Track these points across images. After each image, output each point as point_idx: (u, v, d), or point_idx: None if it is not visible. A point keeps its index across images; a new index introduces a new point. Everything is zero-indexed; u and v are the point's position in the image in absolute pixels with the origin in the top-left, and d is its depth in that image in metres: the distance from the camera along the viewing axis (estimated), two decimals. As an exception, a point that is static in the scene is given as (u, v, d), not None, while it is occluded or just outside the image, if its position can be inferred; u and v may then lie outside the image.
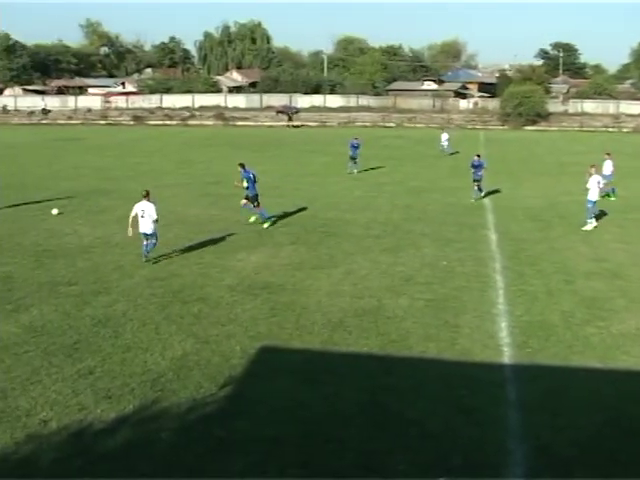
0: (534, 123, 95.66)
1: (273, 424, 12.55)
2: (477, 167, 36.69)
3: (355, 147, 46.98)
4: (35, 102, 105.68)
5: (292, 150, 62.53)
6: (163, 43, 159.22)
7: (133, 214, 22.86)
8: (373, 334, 16.98)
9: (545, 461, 11.63)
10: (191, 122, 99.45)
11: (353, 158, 46.98)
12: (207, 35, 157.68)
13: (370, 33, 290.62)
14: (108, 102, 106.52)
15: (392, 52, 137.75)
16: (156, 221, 22.84)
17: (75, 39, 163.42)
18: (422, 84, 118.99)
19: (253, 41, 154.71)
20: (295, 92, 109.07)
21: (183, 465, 11.28)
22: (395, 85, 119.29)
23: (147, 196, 23.18)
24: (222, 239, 26.54)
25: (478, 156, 37.61)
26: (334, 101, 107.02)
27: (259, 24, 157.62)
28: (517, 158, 58.41)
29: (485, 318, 18.24)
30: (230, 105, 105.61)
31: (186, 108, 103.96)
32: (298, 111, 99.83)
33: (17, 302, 19.12)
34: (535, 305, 19.32)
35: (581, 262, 23.97)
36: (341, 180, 43.44)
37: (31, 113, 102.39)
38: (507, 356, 15.92)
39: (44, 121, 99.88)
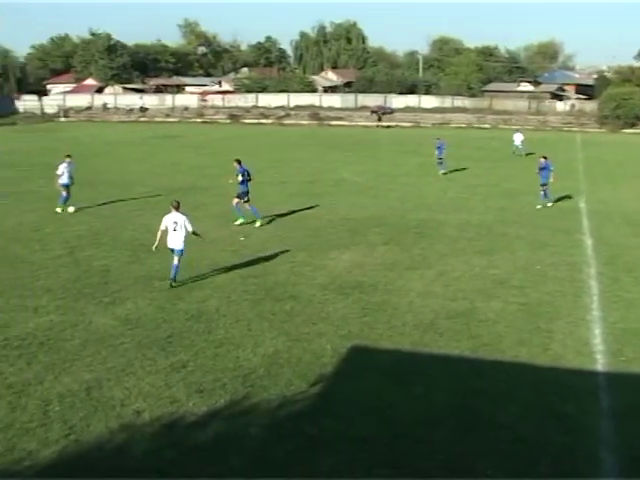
0: (633, 126, 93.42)
1: (362, 424, 12.56)
2: (543, 170, 34.81)
3: (440, 148, 46.64)
4: (134, 100, 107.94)
5: (386, 150, 62.34)
6: (259, 43, 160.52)
7: (163, 227, 20.62)
8: (465, 337, 16.85)
9: (638, 472, 11.37)
10: (286, 121, 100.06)
11: (440, 159, 46.67)
12: (303, 35, 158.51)
13: (466, 33, 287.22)
14: (205, 101, 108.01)
15: (488, 53, 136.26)
16: (193, 233, 20.81)
17: (173, 39, 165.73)
18: (518, 85, 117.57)
19: (348, 41, 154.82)
20: (390, 92, 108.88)
21: (272, 461, 11.37)
22: (490, 86, 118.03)
23: (178, 207, 20.85)
24: (315, 237, 26.68)
25: (544, 158, 35.38)
26: (429, 102, 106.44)
27: (354, 24, 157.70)
28: (615, 161, 57.08)
29: (579, 324, 17.92)
30: (325, 105, 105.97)
31: (281, 107, 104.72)
32: (393, 111, 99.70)
33: (113, 295, 19.58)
34: (631, 312, 18.87)
35: (681, 269, 23.36)
36: (434, 181, 43.18)
37: (130, 111, 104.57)
38: (601, 364, 15.62)
39: (142, 119, 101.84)
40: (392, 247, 25.53)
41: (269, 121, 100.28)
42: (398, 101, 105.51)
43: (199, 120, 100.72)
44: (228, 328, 17.07)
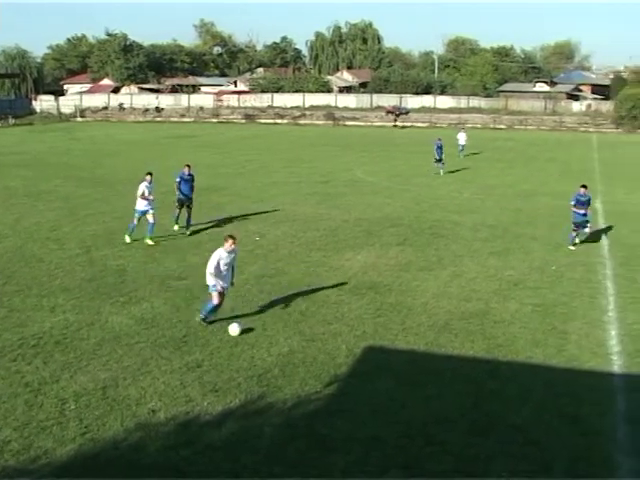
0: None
1: (375, 424, 12.59)
2: (583, 204, 26.31)
3: (439, 148, 46.47)
4: (149, 100, 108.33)
5: (401, 151, 62.35)
6: (275, 43, 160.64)
7: (212, 269, 17.47)
8: (479, 338, 16.85)
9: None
10: (301, 121, 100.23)
11: (438, 159, 46.55)
12: (318, 35, 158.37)
13: (481, 34, 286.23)
14: (220, 101, 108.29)
15: (503, 53, 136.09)
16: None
17: (189, 39, 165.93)
18: (534, 86, 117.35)
19: (364, 41, 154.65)
20: (405, 93, 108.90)
21: (285, 460, 11.42)
22: (506, 86, 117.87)
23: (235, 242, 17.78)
24: (329, 238, 26.71)
25: (584, 187, 26.62)
26: (444, 102, 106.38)
27: (370, 24, 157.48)
28: (631, 163, 56.84)
29: (595, 325, 17.89)
30: (340, 105, 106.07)
31: (297, 107, 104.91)
32: (408, 112, 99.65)
33: (129, 294, 19.66)
34: (649, 313, 18.86)
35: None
36: (450, 181, 43.15)
37: (146, 111, 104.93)
38: (617, 365, 15.59)
39: (158, 119, 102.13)
40: (406, 248, 25.53)
41: (284, 121, 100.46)
42: (413, 101, 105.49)
43: (214, 120, 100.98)
44: (243, 328, 17.11)
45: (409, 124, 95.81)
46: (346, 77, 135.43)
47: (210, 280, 17.32)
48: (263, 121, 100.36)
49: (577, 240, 26.27)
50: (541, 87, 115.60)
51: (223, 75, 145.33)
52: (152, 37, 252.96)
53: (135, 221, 25.77)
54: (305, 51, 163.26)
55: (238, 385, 14.02)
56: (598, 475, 11.28)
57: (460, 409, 13.27)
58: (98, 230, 27.61)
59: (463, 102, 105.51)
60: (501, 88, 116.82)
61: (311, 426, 12.50)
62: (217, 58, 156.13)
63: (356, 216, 30.74)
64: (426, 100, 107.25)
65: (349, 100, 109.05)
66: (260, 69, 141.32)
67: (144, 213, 25.68)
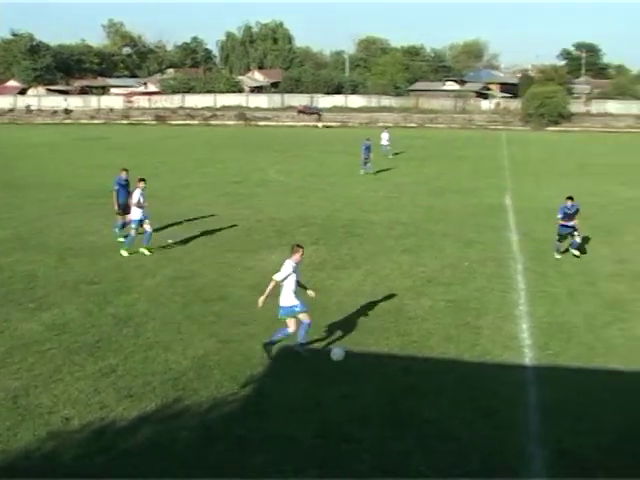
0: (556, 124, 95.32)
1: (292, 423, 12.57)
2: (571, 216, 24.57)
3: (367, 148, 46.82)
4: (58, 102, 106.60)
5: (314, 150, 62.54)
6: (185, 43, 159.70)
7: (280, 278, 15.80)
8: (393, 334, 16.96)
9: (566, 466, 11.53)
10: (213, 122, 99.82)
11: (366, 159, 46.89)
12: (229, 35, 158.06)
13: (392, 33, 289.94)
14: (130, 102, 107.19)
15: (414, 52, 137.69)
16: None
17: (98, 40, 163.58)
18: (444, 84, 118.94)
19: (275, 41, 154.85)
20: (316, 92, 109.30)
21: (203, 463, 11.31)
22: (417, 85, 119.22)
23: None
24: (243, 238, 26.62)
25: (571, 199, 24.69)
26: (356, 101, 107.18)
27: (281, 24, 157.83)
28: (539, 159, 58.11)
29: (506, 319, 18.19)
30: (252, 105, 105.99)
31: (208, 108, 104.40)
32: (320, 111, 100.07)
33: (39, 300, 19.24)
34: (557, 307, 19.25)
35: (603, 264, 23.86)
36: (363, 180, 43.42)
37: (54, 113, 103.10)
38: (528, 358, 15.87)
39: (67, 121, 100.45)
40: (320, 247, 25.58)
41: (196, 122, 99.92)
42: (325, 101, 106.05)
43: (125, 122, 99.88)
44: (157, 331, 16.92)
45: (330, 124, 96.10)
46: (257, 77, 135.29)
47: (290, 299, 15.63)
48: (174, 122, 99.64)
49: (563, 248, 24.84)
50: (451, 86, 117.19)
51: (133, 76, 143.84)
52: (60, 38, 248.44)
53: (133, 232, 24.39)
54: (216, 51, 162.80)
55: (153, 389, 13.84)
56: (513, 466, 11.46)
57: (376, 406, 13.33)
58: (7, 235, 26.94)
59: (374, 101, 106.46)
60: (412, 87, 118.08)
61: (228, 428, 12.42)
62: (127, 59, 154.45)
63: (269, 216, 30.70)
64: (337, 100, 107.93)
65: (260, 100, 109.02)
66: (170, 70, 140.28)
67: (141, 222, 24.42)
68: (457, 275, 22.15)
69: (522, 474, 11.34)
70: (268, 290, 15.50)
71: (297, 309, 15.64)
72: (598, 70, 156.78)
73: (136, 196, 24.30)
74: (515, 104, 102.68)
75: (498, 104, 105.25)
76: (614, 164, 54.78)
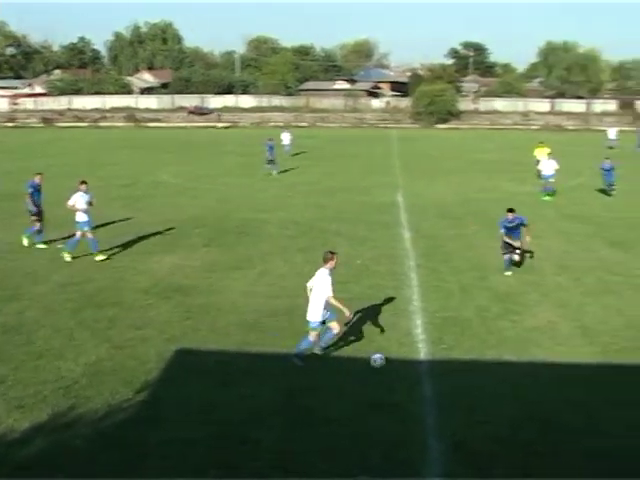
0: (445, 121, 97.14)
1: (189, 427, 12.46)
2: (514, 231, 22.59)
3: (271, 148, 46.87)
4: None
5: (205, 151, 62.21)
6: (72, 43, 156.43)
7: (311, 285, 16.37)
8: (289, 334, 16.95)
9: (463, 457, 11.77)
10: (102, 124, 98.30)
11: (270, 160, 46.90)
12: (117, 35, 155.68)
13: (282, 33, 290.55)
14: (15, 104, 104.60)
15: (304, 52, 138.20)
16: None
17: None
18: (334, 84, 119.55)
19: (164, 41, 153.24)
20: (207, 93, 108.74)
21: (99, 471, 11.11)
22: (307, 85, 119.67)
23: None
24: (136, 242, 26.25)
25: (511, 211, 22.58)
26: (247, 101, 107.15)
27: (170, 24, 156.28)
28: (429, 156, 59.13)
29: (401, 315, 18.40)
30: (142, 106, 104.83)
31: (97, 109, 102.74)
32: (211, 112, 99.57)
33: None
34: (450, 301, 19.60)
35: (494, 258, 24.31)
36: (256, 181, 43.36)
37: None
38: (423, 353, 16.09)
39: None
40: (214, 248, 25.45)
41: (84, 124, 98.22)
42: (216, 101, 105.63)
43: (10, 125, 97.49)
44: (48, 339, 16.54)
45: (212, 124, 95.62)
46: (147, 78, 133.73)
47: (317, 315, 15.56)
48: (62, 124, 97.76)
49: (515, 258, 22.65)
50: (341, 85, 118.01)
51: (18, 77, 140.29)
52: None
53: (90, 235, 23.77)
54: (104, 52, 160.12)
55: (45, 399, 13.51)
56: (413, 459, 11.60)
57: (274, 406, 13.33)
58: None
59: (265, 101, 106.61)
60: (302, 86, 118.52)
61: (123, 434, 12.22)
62: (11, 59, 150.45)
63: (162, 218, 30.37)
64: (228, 100, 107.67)
65: (150, 101, 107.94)
66: (57, 71, 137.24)
67: (89, 224, 23.89)
68: (351, 273, 22.26)
69: (421, 467, 11.47)
70: (338, 304, 15.55)
71: (331, 316, 15.77)
72: (485, 69, 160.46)
73: (79, 199, 23.60)
74: (405, 102, 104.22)
75: (388, 103, 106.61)
76: (502, 160, 56.16)
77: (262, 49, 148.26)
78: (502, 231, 22.50)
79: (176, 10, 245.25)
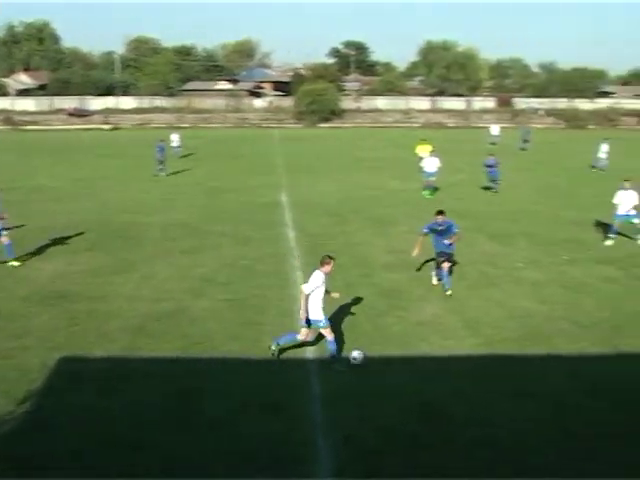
0: (328, 120, 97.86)
1: (75, 437, 12.22)
2: (442, 235, 20.88)
3: (161, 150, 46.42)
4: None
5: (86, 154, 61.01)
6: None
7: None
8: (176, 337, 16.85)
9: (352, 452, 11.90)
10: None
11: (160, 161, 46.40)
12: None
13: (163, 33, 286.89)
14: None
15: (185, 52, 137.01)
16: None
17: None
18: (216, 84, 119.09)
19: (41, 41, 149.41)
20: (87, 94, 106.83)
21: (-19, 487, 10.84)
22: (189, 85, 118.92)
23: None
24: (16, 248, 25.39)
25: (441, 213, 20.86)
26: (127, 103, 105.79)
27: (47, 24, 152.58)
28: (312, 155, 59.49)
29: (287, 314, 18.42)
30: (18, 108, 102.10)
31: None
32: (91, 113, 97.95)
33: None
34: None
35: (378, 255, 24.70)
36: (138, 183, 42.74)
37: None
38: (310, 351, 16.20)
39: None
40: (97, 253, 25.00)
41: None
42: (96, 103, 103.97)
43: None
44: None
45: (94, 126, 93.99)
46: (23, 79, 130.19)
47: (317, 313, 15.34)
48: None
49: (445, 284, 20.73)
50: (223, 85, 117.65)
51: None
52: None
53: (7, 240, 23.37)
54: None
55: None
56: (302, 458, 11.68)
57: (163, 410, 13.21)
58: None
59: (146, 102, 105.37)
60: (184, 87, 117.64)
61: (7, 449, 11.89)
62: None
63: (42, 224, 29.67)
64: (109, 101, 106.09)
65: (28, 103, 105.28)
66: None
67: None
68: (236, 274, 22.27)
69: (311, 465, 11.56)
70: (302, 303, 15.31)
71: (321, 324, 15.45)
72: (367, 68, 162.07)
73: None
74: (288, 102, 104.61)
75: (271, 102, 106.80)
76: (385, 158, 56.95)
77: (142, 49, 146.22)
78: (425, 231, 20.89)
79: (52, 9, 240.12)
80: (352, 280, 21.69)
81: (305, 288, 15.36)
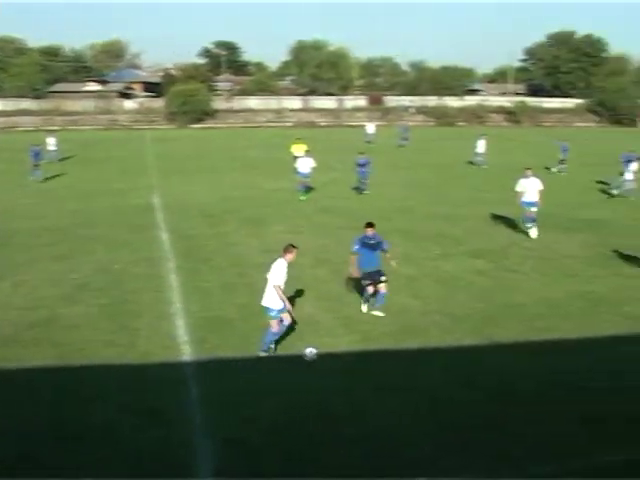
0: (200, 121, 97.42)
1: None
2: (373, 249, 18.91)
3: (37, 154, 45.18)
4: None
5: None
6: None
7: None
8: (49, 345, 16.48)
9: (234, 452, 11.91)
10: None
11: (35, 166, 45.13)
12: None
13: (29, 33, 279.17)
14: None
15: (52, 53, 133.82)
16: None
17: None
18: (85, 85, 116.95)
19: None
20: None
21: None
22: (57, 87, 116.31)
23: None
24: None
25: (370, 226, 18.83)
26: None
27: None
28: (185, 156, 59.17)
29: (162, 318, 18.32)
30: None
31: None
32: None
33: None
34: (211, 301, 19.73)
35: (253, 255, 24.72)
36: (8, 188, 41.46)
37: None
38: (187, 354, 16.11)
39: None
40: (-38, 261, 24.24)
41: None
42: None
43: None
44: None
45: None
46: None
47: (276, 302, 15.69)
48: None
49: (371, 291, 18.80)
50: (92, 86, 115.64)
51: None
52: None
53: None
54: None
55: None
56: (183, 462, 11.60)
57: (42, 421, 12.84)
58: None
59: (11, 104, 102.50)
60: (52, 89, 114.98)
61: None
62: None
63: None
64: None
65: None
66: None
67: None
68: (110, 278, 21.94)
69: (193, 467, 11.52)
70: (280, 295, 15.63)
71: (272, 314, 15.80)
72: (238, 67, 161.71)
73: None
74: (159, 103, 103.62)
75: (142, 103, 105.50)
76: (258, 158, 57.10)
77: (7, 50, 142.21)
78: (356, 247, 18.86)
79: None
80: (228, 280, 21.74)
81: (274, 280, 15.66)
